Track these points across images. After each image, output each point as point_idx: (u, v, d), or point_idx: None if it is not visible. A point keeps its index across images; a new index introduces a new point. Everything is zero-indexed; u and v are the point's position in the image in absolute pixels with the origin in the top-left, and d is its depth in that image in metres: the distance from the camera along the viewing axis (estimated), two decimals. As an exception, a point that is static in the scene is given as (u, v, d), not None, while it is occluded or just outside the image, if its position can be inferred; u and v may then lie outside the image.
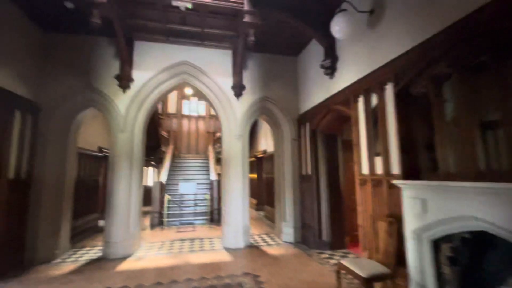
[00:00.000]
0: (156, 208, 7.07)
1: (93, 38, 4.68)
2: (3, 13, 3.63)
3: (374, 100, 3.20)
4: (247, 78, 5.31)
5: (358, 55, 3.58)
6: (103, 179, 7.11)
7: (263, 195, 8.83)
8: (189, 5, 3.88)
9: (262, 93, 5.38)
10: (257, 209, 9.38)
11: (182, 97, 11.99)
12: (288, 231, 5.24)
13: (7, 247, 3.66)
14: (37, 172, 4.23)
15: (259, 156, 9.03)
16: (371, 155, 3.23)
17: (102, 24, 3.61)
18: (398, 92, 2.80)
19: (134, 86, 4.76)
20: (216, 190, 7.62)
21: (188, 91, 11.10)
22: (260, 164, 9.25)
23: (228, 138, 5.14)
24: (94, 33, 4.57)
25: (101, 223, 6.70)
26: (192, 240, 5.44)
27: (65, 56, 4.57)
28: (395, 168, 2.80)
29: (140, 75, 4.79)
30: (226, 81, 5.19)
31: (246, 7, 3.83)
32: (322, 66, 4.24)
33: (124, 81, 4.64)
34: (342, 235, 4.65)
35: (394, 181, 2.60)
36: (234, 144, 5.11)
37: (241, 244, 4.84)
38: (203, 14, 4.22)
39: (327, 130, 4.75)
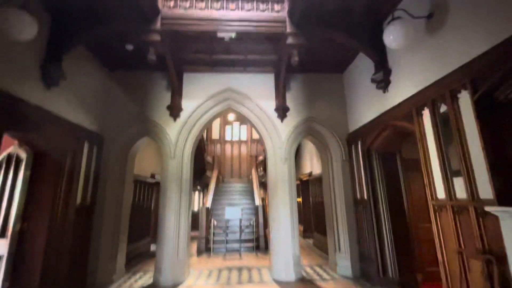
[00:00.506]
0: (202, 233, 7.07)
1: (148, 74, 5.15)
2: (79, 58, 4.21)
3: (443, 110, 2.77)
4: (291, 100, 5.22)
5: (417, 64, 3.22)
6: (154, 204, 7.45)
7: (310, 221, 8.26)
8: (233, 35, 4.04)
9: (306, 114, 5.20)
10: (305, 236, 8.77)
11: (225, 123, 12.45)
12: (344, 264, 4.67)
13: (73, 270, 3.89)
14: (98, 198, 4.57)
15: (304, 179, 8.63)
16: (447, 176, 2.73)
17: (157, 60, 3.94)
18: (478, 99, 2.37)
19: (183, 115, 5.01)
20: (261, 216, 7.37)
21: (230, 116, 11.53)
22: (305, 188, 8.80)
23: (273, 162, 4.98)
24: (149, 69, 5.03)
25: (153, 247, 6.89)
26: (239, 269, 5.19)
27: (123, 91, 5.08)
28: (485, 192, 2.28)
29: (188, 104, 5.05)
30: (269, 104, 5.17)
31: (288, 29, 3.83)
32: (373, 80, 3.94)
33: (175, 110, 4.93)
34: (413, 271, 3.94)
35: (488, 208, 2.09)
36: (280, 168, 4.92)
37: (292, 276, 4.43)
38: (246, 42, 4.35)
39: (384, 149, 4.28)
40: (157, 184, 7.22)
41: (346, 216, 4.81)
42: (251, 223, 7.39)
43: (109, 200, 4.63)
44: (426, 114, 3.04)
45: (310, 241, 8.07)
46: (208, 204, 7.84)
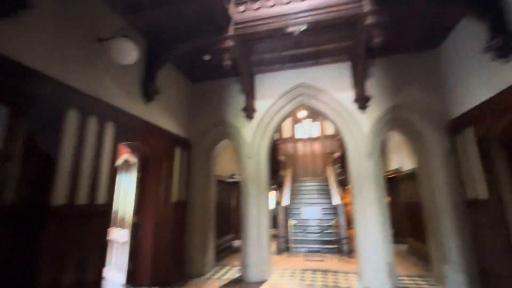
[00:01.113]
0: (281, 232, 7.08)
1: (223, 81, 5.49)
2: (167, 74, 4.81)
3: None
4: (372, 88, 4.66)
5: None
6: (235, 202, 7.91)
7: (402, 224, 7.24)
8: (304, 27, 3.86)
9: (392, 102, 4.54)
10: (395, 242, 7.73)
11: (296, 121, 12.27)
12: (455, 278, 3.85)
13: (172, 260, 4.45)
14: (189, 196, 5.11)
15: (390, 176, 7.63)
16: None
17: (231, 65, 4.13)
18: None
19: (257, 115, 5.12)
20: (343, 216, 6.87)
21: (302, 113, 11.28)
22: (394, 186, 7.77)
23: (355, 158, 4.54)
24: (223, 76, 5.36)
25: (236, 243, 7.32)
26: (324, 272, 4.94)
27: (204, 99, 5.55)
28: None
29: (262, 105, 5.13)
30: (347, 95, 4.74)
31: (367, 7, 3.41)
32: (489, 49, 3.09)
33: (249, 112, 5.08)
34: None
35: None
36: (363, 164, 4.44)
37: (386, 286, 3.92)
38: (317, 32, 4.10)
39: (509, 136, 3.32)
40: (236, 183, 7.63)
41: (455, 219, 3.96)
42: (332, 223, 6.99)
43: (198, 198, 5.14)
44: None
45: (402, 247, 7.06)
46: (285, 203, 7.82)
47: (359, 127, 4.58)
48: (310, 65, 5.00)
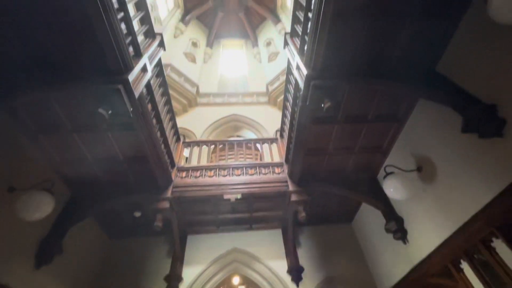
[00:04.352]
0: None
1: (150, 240, 4.91)
2: (82, 229, 4.12)
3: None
4: (304, 257, 4.70)
5: (429, 211, 3.16)
6: None
7: None
8: (239, 196, 4.25)
9: (324, 273, 4.53)
10: None
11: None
12: None
13: None
14: None
15: None
16: None
17: (162, 226, 3.87)
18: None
19: (183, 286, 4.31)
20: None
21: (235, 280, 9.95)
22: None
23: None
24: (151, 235, 4.85)
25: None
26: None
27: (123, 259, 4.66)
28: None
29: (190, 272, 4.47)
30: (281, 264, 4.59)
31: (290, 188, 4.08)
32: (388, 231, 3.73)
33: (174, 282, 4.27)
34: None
35: None
36: None
37: None
38: (251, 200, 4.50)
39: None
40: None
41: None
42: None
43: None
44: (467, 268, 2.62)
45: None
46: None
47: (296, 305, 4.14)
48: (244, 229, 5.06)
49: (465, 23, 2.45)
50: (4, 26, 2.17)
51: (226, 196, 4.23)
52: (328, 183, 4.14)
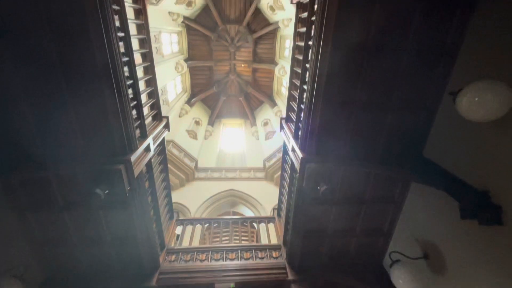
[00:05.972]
0: None
1: None
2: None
3: None
4: None
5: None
6: None
7: None
8: (232, 286, 3.79)
9: None
10: None
11: None
12: None
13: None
14: None
15: None
16: None
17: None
18: None
19: None
20: None
21: None
22: None
23: None
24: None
25: None
26: None
27: None
28: None
29: None
30: None
31: (290, 276, 3.69)
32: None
33: None
34: None
35: None
36: None
37: None
38: (246, 290, 3.99)
39: None
40: None
41: None
42: None
43: None
44: None
45: None
46: None
47: None
48: (237, 329, 4.30)
49: (442, 112, 2.70)
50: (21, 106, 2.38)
51: (217, 286, 3.77)
52: (331, 269, 3.79)
